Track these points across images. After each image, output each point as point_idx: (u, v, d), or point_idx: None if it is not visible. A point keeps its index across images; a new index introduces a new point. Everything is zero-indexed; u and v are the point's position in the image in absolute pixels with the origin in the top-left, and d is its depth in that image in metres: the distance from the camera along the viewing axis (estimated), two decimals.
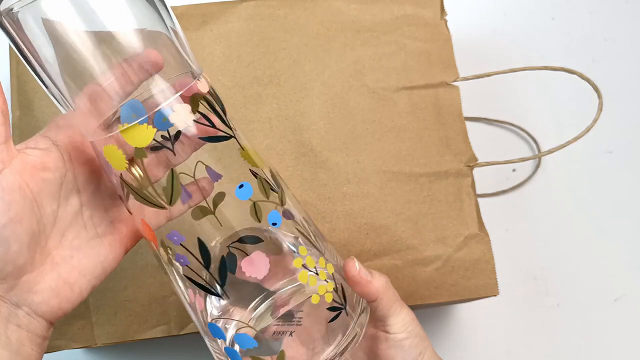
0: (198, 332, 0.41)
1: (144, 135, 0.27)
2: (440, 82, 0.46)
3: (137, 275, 0.41)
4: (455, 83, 0.46)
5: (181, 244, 0.29)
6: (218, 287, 0.29)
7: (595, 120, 0.46)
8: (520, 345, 0.50)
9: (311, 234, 0.32)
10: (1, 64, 0.46)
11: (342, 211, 0.42)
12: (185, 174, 0.28)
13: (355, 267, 0.32)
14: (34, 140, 0.28)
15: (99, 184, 0.30)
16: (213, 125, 0.29)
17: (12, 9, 0.25)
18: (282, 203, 0.31)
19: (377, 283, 0.33)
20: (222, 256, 0.28)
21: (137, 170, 0.28)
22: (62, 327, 0.40)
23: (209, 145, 0.29)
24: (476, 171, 0.45)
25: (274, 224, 0.30)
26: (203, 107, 0.29)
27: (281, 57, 0.45)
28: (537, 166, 0.54)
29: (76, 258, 0.29)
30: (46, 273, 0.28)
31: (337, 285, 0.31)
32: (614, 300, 0.52)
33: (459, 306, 0.50)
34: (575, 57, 0.57)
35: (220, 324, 0.31)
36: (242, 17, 0.45)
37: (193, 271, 0.29)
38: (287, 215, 0.31)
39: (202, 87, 0.29)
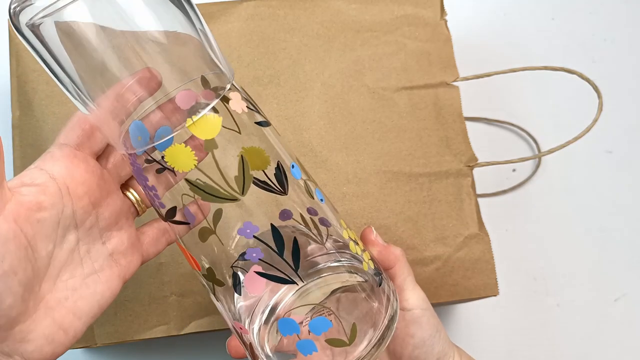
0: (198, 332, 0.41)
1: (213, 124, 0.26)
2: (440, 82, 0.46)
3: (137, 275, 0.41)
4: (455, 83, 0.46)
5: (254, 236, 0.28)
6: (293, 273, 0.29)
7: (595, 120, 0.46)
8: (520, 345, 0.50)
9: (331, 212, 0.32)
10: (1, 65, 0.46)
11: (342, 211, 0.42)
12: (221, 174, 0.28)
13: (373, 232, 0.35)
14: (29, 175, 0.27)
15: (97, 216, 0.29)
16: (257, 111, 0.29)
17: (34, 22, 0.24)
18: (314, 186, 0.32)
19: (393, 249, 0.34)
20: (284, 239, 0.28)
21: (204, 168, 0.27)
22: None
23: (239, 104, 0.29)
24: (476, 171, 0.45)
25: (321, 200, 0.31)
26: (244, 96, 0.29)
27: (281, 57, 0.45)
28: (537, 166, 0.54)
29: (71, 299, 0.27)
30: (40, 320, 0.26)
31: (368, 255, 0.32)
32: (614, 300, 0.52)
33: (459, 306, 0.50)
34: (575, 57, 0.57)
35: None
36: (242, 17, 0.45)
37: (266, 263, 0.29)
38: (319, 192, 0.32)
39: (235, 104, 0.29)
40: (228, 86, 0.28)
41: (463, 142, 0.45)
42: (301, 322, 0.30)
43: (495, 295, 0.43)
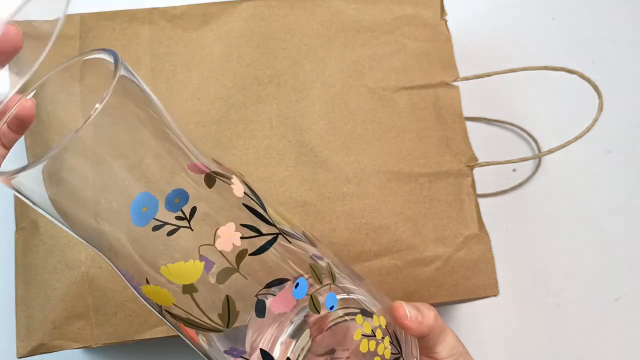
0: None
1: (193, 271, 0.25)
2: (440, 82, 0.46)
3: None
4: (455, 83, 0.46)
5: (241, 357, 0.27)
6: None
7: (595, 120, 0.46)
8: (520, 345, 0.50)
9: (352, 294, 0.31)
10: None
11: (342, 211, 0.42)
12: (206, 244, 0.27)
13: (406, 313, 0.32)
14: None
15: None
16: (260, 233, 0.27)
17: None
18: (334, 279, 0.30)
19: (427, 321, 0.33)
20: (256, 306, 0.27)
21: (186, 304, 0.27)
22: (62, 327, 0.40)
23: (228, 242, 0.27)
24: (476, 171, 0.45)
25: (331, 308, 0.29)
26: (243, 217, 0.27)
27: (281, 57, 0.45)
28: (537, 166, 0.54)
29: None
30: None
31: (392, 335, 0.31)
32: (614, 300, 0.52)
33: (459, 306, 0.50)
34: (575, 57, 0.57)
35: None
36: (242, 17, 0.45)
37: None
38: (337, 287, 0.30)
39: (237, 190, 0.28)
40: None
41: (463, 142, 0.45)
42: None
43: (495, 295, 0.43)
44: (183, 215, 0.25)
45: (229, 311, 0.26)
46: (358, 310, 0.30)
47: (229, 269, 0.26)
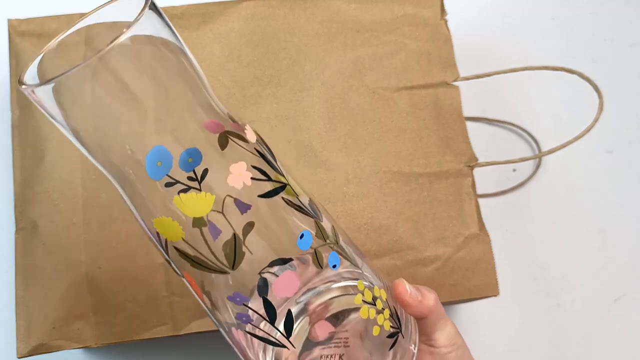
0: (198, 332, 0.41)
1: (204, 204, 0.25)
2: (441, 82, 0.46)
3: (137, 275, 0.41)
4: (455, 83, 0.46)
5: (244, 304, 0.27)
6: (285, 339, 0.28)
7: (595, 120, 0.46)
8: (520, 345, 0.50)
9: (355, 257, 0.30)
10: (1, 65, 0.46)
11: (342, 211, 0.42)
12: (214, 210, 0.26)
13: (407, 290, 0.32)
14: None
15: None
16: (269, 179, 0.27)
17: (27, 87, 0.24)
18: (337, 240, 0.29)
19: (427, 302, 0.32)
20: (258, 284, 0.27)
21: (194, 240, 0.26)
22: (62, 327, 0.40)
23: (239, 179, 0.27)
24: (476, 171, 0.45)
25: (334, 266, 0.28)
26: (255, 159, 0.27)
27: (281, 57, 0.45)
28: (538, 166, 0.54)
29: None
30: None
31: (392, 310, 0.30)
32: (614, 300, 0.52)
33: (459, 306, 0.50)
34: (575, 57, 0.57)
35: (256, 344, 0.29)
36: (242, 17, 0.45)
37: (256, 327, 0.28)
38: (341, 250, 0.29)
39: (250, 136, 0.28)
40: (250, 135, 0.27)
41: (463, 142, 0.45)
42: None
43: (495, 296, 0.43)
44: (194, 177, 0.25)
45: (235, 250, 0.26)
46: (358, 279, 0.30)
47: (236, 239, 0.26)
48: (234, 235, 0.26)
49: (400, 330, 0.30)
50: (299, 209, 0.28)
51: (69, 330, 0.40)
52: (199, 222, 0.26)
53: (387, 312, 0.29)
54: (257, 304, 0.27)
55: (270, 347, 0.29)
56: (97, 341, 0.40)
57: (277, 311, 0.27)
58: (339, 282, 0.30)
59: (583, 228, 0.53)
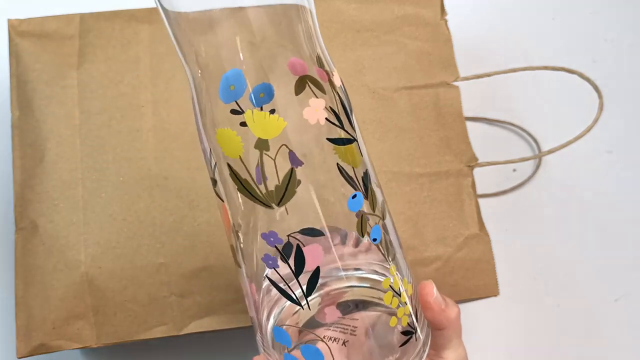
0: (197, 333, 0.41)
1: (274, 127, 0.24)
2: (441, 82, 0.46)
3: (137, 275, 0.41)
4: (455, 83, 0.46)
5: (276, 246, 0.26)
6: (303, 298, 0.26)
7: (595, 120, 0.46)
8: (520, 345, 0.50)
9: (395, 241, 0.29)
10: (1, 64, 0.46)
11: (342, 211, 0.42)
12: (268, 155, 0.25)
13: (433, 292, 0.31)
14: None
15: None
16: (342, 126, 0.26)
17: None
18: (384, 216, 0.28)
19: (449, 312, 0.31)
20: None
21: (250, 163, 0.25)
22: (62, 327, 0.40)
23: (299, 128, 0.26)
24: (476, 171, 0.45)
25: (374, 240, 0.27)
26: (334, 103, 0.26)
27: None
28: (538, 166, 0.54)
29: None
30: None
31: (413, 309, 0.29)
32: (614, 300, 0.52)
33: (459, 306, 0.50)
34: (575, 57, 0.57)
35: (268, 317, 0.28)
36: None
37: (279, 275, 0.27)
38: (385, 228, 0.28)
39: (337, 80, 0.26)
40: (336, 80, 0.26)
41: (463, 142, 0.45)
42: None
43: (495, 295, 0.43)
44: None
45: (287, 186, 0.25)
46: (388, 267, 0.29)
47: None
48: (292, 170, 0.25)
49: (416, 332, 0.29)
50: (353, 176, 0.27)
51: (69, 330, 0.40)
52: (262, 145, 0.24)
53: (408, 309, 0.28)
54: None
55: (277, 308, 0.28)
56: (97, 341, 0.40)
57: (305, 267, 0.26)
58: (367, 272, 0.29)
59: (583, 228, 0.53)
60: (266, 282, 0.28)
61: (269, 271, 0.27)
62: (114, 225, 0.41)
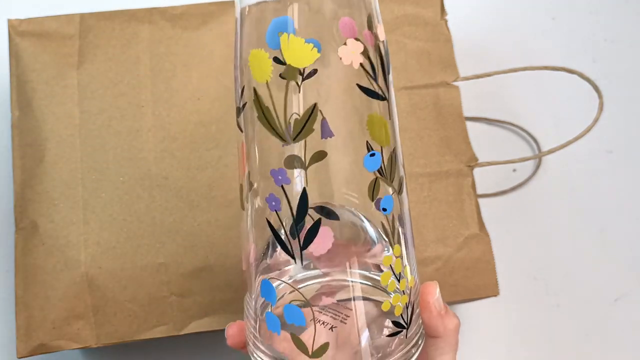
0: (198, 333, 0.41)
1: (307, 56, 0.23)
2: (441, 82, 0.46)
3: (137, 275, 0.41)
4: (455, 83, 0.46)
5: (282, 186, 0.25)
6: (297, 247, 0.25)
7: (595, 120, 0.46)
8: (520, 345, 0.50)
9: (403, 226, 0.28)
10: (1, 64, 0.46)
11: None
12: (297, 114, 0.25)
13: (435, 293, 0.29)
14: None
15: None
16: (374, 78, 0.25)
17: None
18: (400, 191, 0.27)
19: (447, 321, 0.30)
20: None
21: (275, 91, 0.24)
22: (62, 327, 0.40)
23: (336, 97, 0.25)
24: (476, 171, 0.45)
25: (384, 210, 0.26)
26: (373, 54, 0.25)
27: None
28: (538, 166, 0.54)
29: None
30: None
31: (410, 302, 0.28)
32: (614, 300, 0.52)
33: (459, 306, 0.50)
34: (575, 57, 0.57)
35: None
36: None
37: (279, 220, 0.26)
38: (398, 204, 0.27)
39: (381, 33, 0.26)
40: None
41: (463, 142, 0.45)
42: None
43: (495, 295, 0.43)
44: (301, 72, 0.24)
45: (307, 121, 0.24)
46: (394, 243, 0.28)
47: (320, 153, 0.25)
48: (315, 106, 0.24)
49: (408, 329, 0.28)
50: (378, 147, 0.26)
51: (69, 330, 0.40)
52: (291, 73, 0.24)
53: (405, 299, 0.27)
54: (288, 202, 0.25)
55: (271, 260, 0.27)
56: (97, 341, 0.40)
57: (307, 217, 0.25)
58: (374, 274, 0.28)
59: (583, 228, 0.53)
60: (268, 234, 0.27)
61: (269, 214, 0.26)
62: (114, 225, 0.41)
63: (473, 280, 0.43)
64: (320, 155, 0.25)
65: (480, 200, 0.45)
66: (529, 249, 0.52)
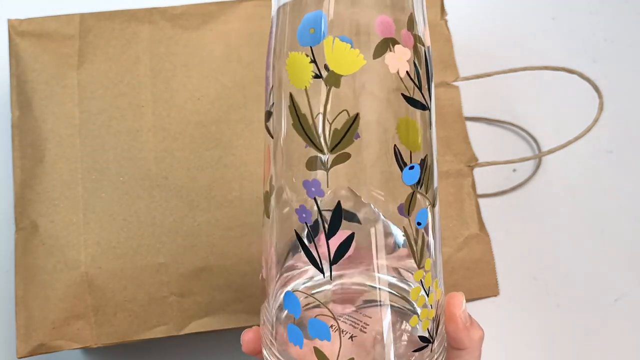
0: (198, 333, 0.41)
1: (352, 62, 0.22)
2: (441, 82, 0.45)
3: (137, 275, 0.41)
4: (455, 83, 0.46)
5: (315, 198, 0.23)
6: (327, 262, 0.24)
7: (595, 120, 0.46)
8: (520, 345, 0.50)
9: (435, 239, 0.27)
10: (1, 64, 0.46)
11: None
12: (323, 114, 0.23)
13: (461, 305, 0.28)
14: None
15: None
16: (419, 87, 0.24)
17: None
18: (434, 203, 0.26)
19: (473, 332, 0.29)
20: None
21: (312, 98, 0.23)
22: (62, 327, 0.40)
23: (376, 104, 0.24)
24: (476, 171, 0.45)
25: (419, 224, 0.25)
26: (418, 59, 0.24)
27: None
28: (538, 166, 0.54)
29: None
30: None
31: (437, 315, 0.27)
32: (614, 300, 0.52)
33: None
34: (575, 57, 0.57)
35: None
36: (242, 17, 0.45)
37: (310, 233, 0.24)
38: (433, 216, 0.26)
39: (426, 39, 0.25)
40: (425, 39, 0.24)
41: (463, 142, 0.45)
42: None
43: (495, 295, 0.43)
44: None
45: (348, 130, 0.23)
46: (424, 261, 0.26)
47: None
48: (357, 116, 0.22)
49: (433, 342, 0.27)
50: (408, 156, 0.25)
51: (69, 330, 0.40)
52: (333, 80, 0.22)
53: (432, 313, 0.26)
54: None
55: (295, 271, 0.27)
56: (97, 341, 0.40)
57: (339, 231, 0.23)
58: (397, 280, 0.27)
59: (583, 228, 0.53)
60: (291, 241, 0.26)
61: (301, 227, 0.24)
62: (114, 225, 0.41)
63: (473, 280, 0.43)
64: (346, 160, 0.24)
65: (480, 200, 0.45)
66: (529, 249, 0.52)
